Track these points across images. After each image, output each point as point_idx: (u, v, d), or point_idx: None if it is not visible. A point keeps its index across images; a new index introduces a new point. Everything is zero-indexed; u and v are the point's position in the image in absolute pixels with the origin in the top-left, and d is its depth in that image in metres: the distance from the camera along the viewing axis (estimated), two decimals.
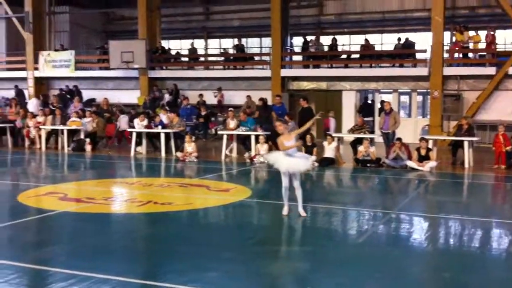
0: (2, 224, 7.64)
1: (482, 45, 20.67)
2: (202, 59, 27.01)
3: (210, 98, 22.48)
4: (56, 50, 25.93)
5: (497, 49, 20.59)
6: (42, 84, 26.34)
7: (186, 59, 26.06)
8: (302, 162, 8.01)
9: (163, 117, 17.31)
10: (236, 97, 22.58)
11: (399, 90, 21.91)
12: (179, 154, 15.43)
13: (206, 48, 30.76)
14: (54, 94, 23.85)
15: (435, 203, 10.03)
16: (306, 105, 16.35)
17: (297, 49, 25.49)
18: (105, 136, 18.35)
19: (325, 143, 14.58)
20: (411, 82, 21.02)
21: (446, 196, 10.76)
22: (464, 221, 8.21)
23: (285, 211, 8.24)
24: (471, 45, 20.77)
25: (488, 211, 9.18)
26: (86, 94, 23.98)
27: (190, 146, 15.22)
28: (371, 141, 14.72)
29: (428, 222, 8.23)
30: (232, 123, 16.68)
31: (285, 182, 8.08)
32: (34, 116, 18.64)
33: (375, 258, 6.20)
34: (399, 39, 23.23)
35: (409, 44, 22.58)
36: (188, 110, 19.82)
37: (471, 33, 20.72)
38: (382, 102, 18.85)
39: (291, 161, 7.90)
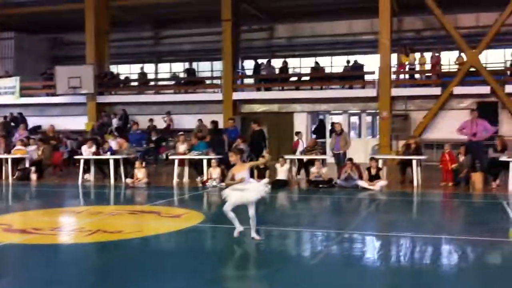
0: None
1: (427, 66, 21.30)
2: (152, 83, 26.77)
3: (160, 122, 22.23)
4: (0, 77, 25.18)
5: (442, 70, 21.26)
6: None
7: (136, 83, 25.76)
8: (252, 193, 7.87)
9: (112, 143, 16.95)
10: (186, 121, 22.47)
11: (349, 111, 22.25)
12: (128, 180, 15.10)
13: (156, 72, 30.52)
14: None
15: (387, 222, 10.09)
16: (258, 128, 16.36)
17: (248, 73, 25.61)
18: (51, 164, 17.79)
19: (277, 165, 14.57)
20: (361, 103, 21.41)
21: (397, 214, 10.86)
22: (415, 238, 8.26)
23: (236, 232, 8.08)
24: (418, 67, 21.38)
25: (438, 228, 9.28)
26: (32, 121, 23.33)
27: (140, 172, 14.93)
28: (323, 162, 14.80)
29: (380, 240, 8.25)
30: (181, 147, 16.50)
31: (227, 207, 7.96)
32: None
33: (329, 278, 6.14)
34: (348, 61, 23.74)
35: (357, 66, 23.07)
36: (138, 135, 19.51)
37: (417, 55, 21.34)
38: (333, 123, 19.08)
39: (241, 194, 7.85)
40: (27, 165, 16.94)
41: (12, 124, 22.65)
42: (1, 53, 27.91)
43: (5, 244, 7.99)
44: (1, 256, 7.63)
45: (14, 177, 16.73)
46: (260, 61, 24.81)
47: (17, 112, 23.69)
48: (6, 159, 16.97)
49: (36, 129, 22.31)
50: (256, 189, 8.04)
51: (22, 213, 11.31)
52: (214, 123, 17.69)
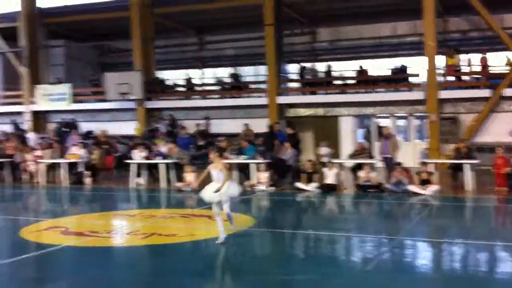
0: (5, 260, 7.56)
1: (476, 68, 20.88)
2: (198, 88, 27.13)
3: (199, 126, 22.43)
4: (52, 84, 26.00)
5: (490, 71, 20.81)
6: (39, 118, 26.34)
7: (183, 89, 26.17)
8: (212, 192, 8.08)
9: (162, 147, 17.30)
10: (224, 126, 22.69)
11: (396, 114, 22.01)
12: (179, 184, 15.39)
13: (201, 78, 30.91)
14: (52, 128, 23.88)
15: (439, 228, 9.98)
16: (291, 132, 16.54)
17: (292, 76, 25.65)
18: (104, 168, 18.28)
19: (325, 169, 14.58)
20: (408, 106, 21.13)
21: (449, 220, 10.74)
22: (469, 245, 8.18)
23: (220, 239, 8.21)
24: (465, 69, 20.98)
25: (492, 234, 9.15)
26: (84, 127, 23.95)
27: (189, 176, 15.19)
28: (372, 167, 14.71)
29: (433, 247, 8.20)
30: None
31: (213, 209, 8.29)
32: (32, 150, 18.58)
33: (382, 285, 6.14)
34: (393, 64, 23.49)
35: (403, 69, 22.80)
36: (185, 140, 19.80)
37: (463, 56, 20.96)
38: (380, 127, 18.92)
39: (208, 189, 8.16)
40: (80, 169, 17.46)
41: (64, 129, 23.32)
42: (52, 60, 28.74)
43: (63, 247, 8.31)
44: (59, 258, 7.93)
45: (69, 181, 17.27)
46: (304, 64, 24.81)
47: (70, 118, 24.39)
48: (61, 164, 17.51)
49: (88, 134, 22.87)
50: (227, 187, 8.12)
51: (78, 216, 11.70)
52: (271, 127, 18.01)
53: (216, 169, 8.16)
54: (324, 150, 17.27)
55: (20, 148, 18.87)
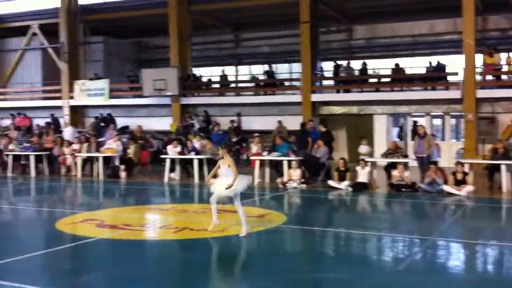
0: (41, 251, 7.79)
1: None
2: (232, 85, 27.28)
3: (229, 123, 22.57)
4: (90, 79, 26.54)
5: None
6: (77, 112, 26.94)
7: (217, 85, 26.36)
8: (222, 187, 8.40)
9: (196, 143, 17.47)
10: (257, 123, 22.77)
11: (432, 113, 21.69)
12: (213, 180, 15.48)
13: (236, 75, 31.05)
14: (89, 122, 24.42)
15: (474, 229, 9.82)
16: (324, 129, 16.48)
17: (327, 74, 25.54)
18: (139, 163, 18.57)
19: (358, 168, 14.49)
20: (444, 105, 20.82)
21: (485, 222, 10.55)
22: (504, 247, 8.03)
23: (211, 226, 8.69)
24: (506, 68, 20.51)
25: None
26: (120, 122, 24.39)
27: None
28: (405, 166, 14.54)
29: (467, 248, 8.07)
30: (254, 148, 16.76)
31: (212, 198, 8.75)
32: (70, 144, 19.02)
33: (415, 286, 6.09)
34: (429, 62, 23.16)
35: (441, 67, 22.45)
36: (219, 136, 19.95)
37: (503, 55, 20.49)
38: (416, 126, 18.69)
39: (218, 184, 8.53)
40: (116, 163, 17.79)
41: (102, 124, 23.80)
42: (90, 56, 29.35)
43: (98, 239, 8.49)
44: (93, 250, 8.10)
45: (105, 174, 17.62)
46: (339, 62, 24.68)
47: (107, 113, 24.87)
48: (97, 157, 17.90)
49: (124, 129, 23.30)
50: (239, 181, 8.42)
51: (113, 209, 11.93)
52: (303, 124, 18.02)
53: (225, 165, 8.53)
54: (364, 148, 17.11)
55: (58, 142, 19.32)
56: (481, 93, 19.70)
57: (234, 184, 8.34)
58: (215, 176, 9.02)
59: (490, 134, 19.43)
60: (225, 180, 8.48)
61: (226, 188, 8.35)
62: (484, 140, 19.69)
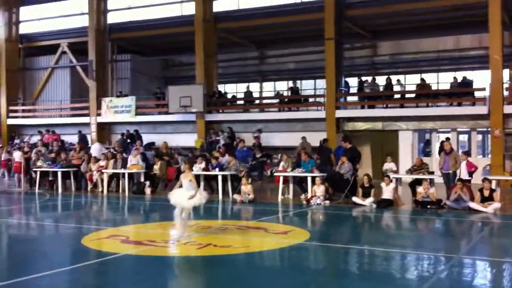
0: (67, 267, 7.90)
1: None
2: (257, 101, 27.43)
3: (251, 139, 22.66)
4: (117, 96, 26.97)
5: None
6: (104, 129, 27.37)
7: (242, 102, 26.54)
8: (183, 199, 9.23)
9: (223, 159, 17.56)
10: (279, 139, 22.85)
11: (458, 129, 21.46)
12: (236, 196, 15.60)
13: (261, 91, 31.22)
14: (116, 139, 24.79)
15: (501, 247, 9.65)
16: (349, 146, 16.43)
17: (352, 90, 25.52)
18: (166, 179, 18.74)
19: (383, 184, 14.40)
20: (470, 121, 20.59)
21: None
22: None
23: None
24: None
25: None
26: (146, 138, 24.68)
27: (246, 188, 15.37)
28: (431, 182, 14.39)
29: (494, 267, 7.94)
30: (282, 165, 16.78)
31: (176, 211, 9.55)
32: (97, 160, 19.31)
33: None
34: (455, 78, 22.99)
35: (466, 83, 22.26)
36: (244, 152, 20.04)
37: None
38: (442, 142, 18.50)
39: (178, 195, 9.27)
40: (142, 179, 17.99)
41: (128, 140, 24.11)
42: (118, 74, 29.85)
43: (123, 255, 8.57)
44: (117, 266, 8.17)
45: (131, 190, 17.82)
46: (364, 78, 24.65)
47: (133, 130, 25.20)
48: (123, 174, 18.13)
49: (150, 145, 23.57)
50: (188, 200, 9.25)
51: (138, 225, 12.07)
52: (326, 141, 18.06)
53: (186, 179, 9.30)
54: (389, 165, 16.87)
55: (85, 158, 19.63)
56: (508, 109, 19.46)
57: (196, 197, 9.22)
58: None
59: None
60: (185, 192, 9.22)
61: (189, 199, 9.13)
62: (511, 157, 19.40)
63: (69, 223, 12.73)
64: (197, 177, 16.72)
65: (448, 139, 21.49)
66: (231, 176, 16.56)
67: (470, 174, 14.63)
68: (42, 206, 16.01)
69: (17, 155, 20.45)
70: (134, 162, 18.27)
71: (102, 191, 18.30)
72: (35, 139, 26.88)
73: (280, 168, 16.76)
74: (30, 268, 7.61)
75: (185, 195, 9.27)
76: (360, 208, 13.94)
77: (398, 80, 24.74)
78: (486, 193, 13.05)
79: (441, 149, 17.16)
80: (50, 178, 19.66)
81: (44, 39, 30.45)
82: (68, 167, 19.45)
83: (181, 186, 9.79)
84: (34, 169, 19.96)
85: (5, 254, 9.40)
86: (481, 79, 23.08)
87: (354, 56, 28.11)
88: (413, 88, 23.80)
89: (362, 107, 23.51)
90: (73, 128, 27.40)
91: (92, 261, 8.31)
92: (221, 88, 28.85)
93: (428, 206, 13.50)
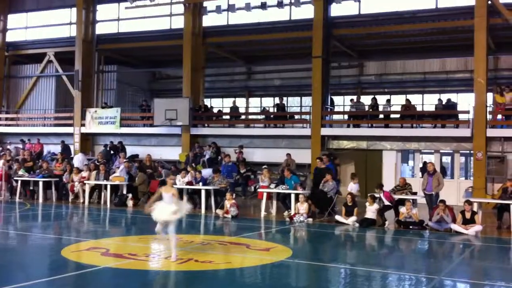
0: (45, 279, 7.77)
1: None
2: (243, 117, 27.45)
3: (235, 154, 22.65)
4: (103, 107, 26.81)
5: None
6: (87, 139, 27.14)
7: (228, 117, 26.55)
8: (167, 213, 8.98)
9: (206, 172, 17.50)
10: (255, 155, 22.88)
11: (441, 151, 21.65)
12: (219, 211, 15.52)
13: (247, 107, 31.28)
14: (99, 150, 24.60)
15: (481, 269, 9.71)
16: (323, 166, 16.49)
17: (337, 109, 25.66)
18: (149, 192, 18.59)
19: (367, 204, 14.41)
20: (453, 143, 20.78)
21: (492, 262, 10.40)
22: None
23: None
24: None
25: None
26: (130, 150, 24.51)
27: (229, 203, 15.29)
28: (414, 203, 14.44)
29: None
30: (263, 181, 16.73)
31: (157, 227, 9.41)
32: (79, 171, 19.12)
33: None
34: (439, 99, 23.24)
35: (451, 105, 22.51)
36: (229, 168, 20.01)
37: None
38: (425, 163, 18.63)
39: (161, 210, 9.04)
40: (124, 192, 17.83)
41: (112, 152, 23.93)
42: (104, 85, 29.70)
43: (102, 268, 8.47)
44: (97, 279, 8.07)
45: (113, 202, 17.65)
46: (349, 97, 24.81)
47: (118, 141, 25.02)
48: (106, 185, 17.96)
49: (134, 157, 23.40)
50: (173, 212, 8.99)
51: (119, 238, 11.93)
52: (336, 158, 18.17)
53: (168, 193, 9.13)
54: (352, 186, 15.73)
55: (68, 169, 19.43)
56: (491, 132, 19.68)
57: (179, 211, 9.07)
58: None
59: (499, 173, 19.32)
60: (167, 206, 9.03)
61: (173, 213, 8.95)
62: (493, 179, 19.59)
63: (49, 233, 12.56)
64: (180, 190, 16.70)
65: (419, 158, 21.71)
66: (214, 191, 16.48)
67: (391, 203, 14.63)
68: (21, 215, 15.78)
69: None
70: (117, 174, 18.14)
71: (84, 202, 18.12)
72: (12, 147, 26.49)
73: (262, 184, 16.71)
74: (6, 279, 7.46)
75: (167, 210, 9.04)
76: (343, 227, 13.93)
77: (388, 100, 24.92)
78: (468, 215, 13.13)
79: (424, 170, 17.26)
80: (31, 188, 19.42)
81: (31, 48, 30.23)
82: (50, 177, 19.24)
83: (159, 199, 9.51)
84: (15, 178, 19.71)
85: None
86: (465, 101, 23.36)
87: (341, 75, 28.33)
88: (398, 108, 24.01)
89: (348, 126, 23.62)
90: (56, 138, 27.13)
91: (71, 273, 8.20)
92: (207, 102, 28.84)
93: (411, 227, 13.54)
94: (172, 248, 9.11)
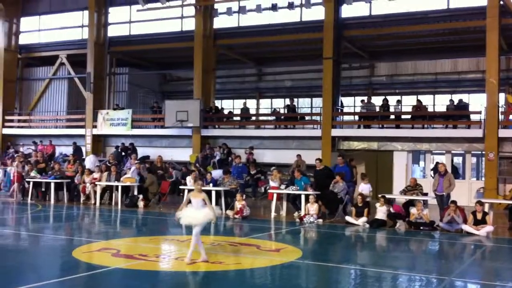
0: (56, 279, 7.83)
1: None
2: (253, 118, 27.48)
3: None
4: (114, 109, 26.97)
5: None
6: (99, 141, 27.31)
7: (238, 118, 26.60)
8: (196, 216, 8.91)
9: (216, 174, 17.53)
10: (266, 156, 22.86)
11: (452, 151, 21.53)
12: (229, 212, 15.55)
13: (257, 108, 31.30)
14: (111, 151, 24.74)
15: (493, 270, 9.63)
16: (322, 167, 16.47)
17: (348, 110, 25.60)
18: (159, 193, 18.68)
19: (377, 204, 14.37)
20: (465, 144, 20.67)
21: (503, 263, 10.33)
22: None
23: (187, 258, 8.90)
24: None
25: None
26: (141, 152, 24.63)
27: (240, 204, 15.32)
28: (425, 203, 14.37)
29: None
30: (272, 182, 16.73)
31: (196, 230, 9.01)
32: (90, 172, 19.25)
33: None
34: (451, 100, 23.12)
35: (462, 105, 22.37)
36: (239, 168, 20.04)
37: None
38: (437, 163, 18.53)
39: (193, 215, 8.94)
40: (135, 193, 17.93)
41: (123, 153, 24.06)
42: (115, 87, 29.89)
43: (113, 269, 8.51)
44: (107, 280, 8.10)
45: (124, 203, 17.75)
46: (360, 98, 24.74)
47: (129, 143, 25.15)
48: (117, 187, 18.06)
49: (145, 159, 23.51)
50: (202, 215, 8.90)
51: (129, 239, 11.98)
52: (352, 160, 18.29)
53: (198, 199, 9.01)
54: (363, 187, 15.78)
55: (79, 170, 19.56)
56: (503, 133, 19.55)
57: (212, 214, 8.98)
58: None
59: (511, 174, 19.18)
60: (196, 211, 8.95)
61: (204, 217, 8.88)
62: (505, 180, 19.46)
63: (60, 234, 12.65)
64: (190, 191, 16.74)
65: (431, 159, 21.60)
66: (224, 192, 16.51)
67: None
68: (33, 216, 15.92)
69: (13, 165, 20.43)
70: (128, 175, 18.24)
71: (95, 203, 18.24)
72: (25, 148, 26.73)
73: (272, 185, 16.71)
74: (18, 280, 7.54)
75: (196, 215, 8.93)
76: (353, 228, 13.90)
77: (398, 101, 24.83)
78: (479, 215, 13.05)
79: (435, 170, 17.17)
80: (43, 189, 19.58)
81: (43, 50, 30.53)
82: (62, 178, 19.38)
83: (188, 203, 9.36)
84: (27, 179, 19.88)
85: None
86: (477, 102, 23.21)
87: (352, 76, 28.27)
88: (410, 109, 23.92)
89: (358, 127, 23.57)
90: (68, 140, 27.35)
91: (82, 274, 8.24)
92: (218, 103, 28.91)
93: (421, 228, 13.48)
94: (201, 250, 9.01)
